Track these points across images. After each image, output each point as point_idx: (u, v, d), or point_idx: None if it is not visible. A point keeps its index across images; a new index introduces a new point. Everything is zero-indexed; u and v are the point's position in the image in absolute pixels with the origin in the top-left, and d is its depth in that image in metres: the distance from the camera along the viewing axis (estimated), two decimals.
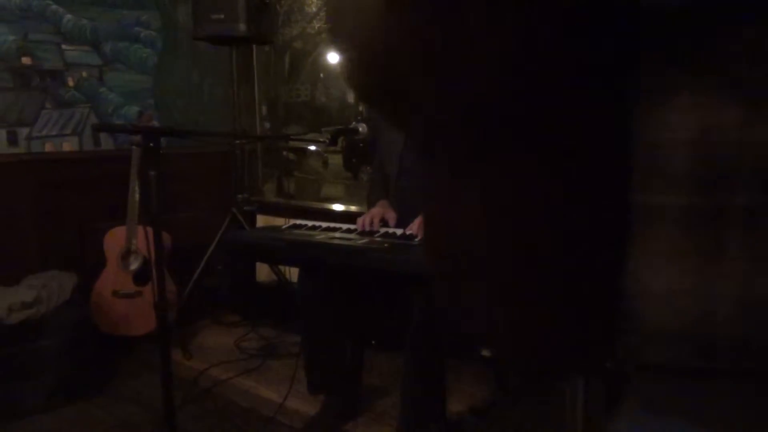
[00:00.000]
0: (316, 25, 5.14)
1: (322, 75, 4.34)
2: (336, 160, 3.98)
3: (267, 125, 4.42)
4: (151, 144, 1.76)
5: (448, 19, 0.37)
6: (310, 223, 2.45)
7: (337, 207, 3.40)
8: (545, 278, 0.46)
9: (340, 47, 0.41)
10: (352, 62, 0.42)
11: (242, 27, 3.04)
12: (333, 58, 4.57)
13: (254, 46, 3.82)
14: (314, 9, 5.08)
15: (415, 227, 2.19)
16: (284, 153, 4.44)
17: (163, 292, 1.82)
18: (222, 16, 3.04)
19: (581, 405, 1.77)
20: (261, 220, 3.67)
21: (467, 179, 0.47)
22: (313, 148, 3.60)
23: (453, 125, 0.43)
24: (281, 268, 3.35)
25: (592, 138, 0.43)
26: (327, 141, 2.27)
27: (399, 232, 2.24)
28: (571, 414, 1.80)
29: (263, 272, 3.60)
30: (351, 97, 4.25)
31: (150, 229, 2.04)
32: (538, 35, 0.38)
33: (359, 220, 2.30)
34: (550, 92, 0.41)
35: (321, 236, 2.22)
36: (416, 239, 2.14)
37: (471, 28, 0.38)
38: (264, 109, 4.42)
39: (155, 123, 3.33)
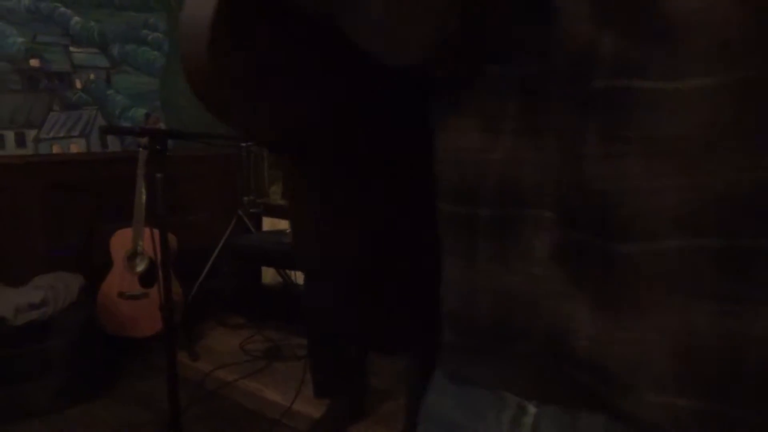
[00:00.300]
0: None
1: None
2: None
3: None
4: (158, 146, 1.77)
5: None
6: None
7: None
8: (373, 275, 0.58)
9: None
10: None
11: None
12: None
13: None
14: None
15: None
16: None
17: (170, 293, 1.82)
18: None
19: None
20: (267, 222, 3.67)
21: (305, 191, 0.58)
22: None
23: (285, 149, 0.55)
24: (287, 270, 3.35)
25: (399, 157, 0.55)
26: None
27: None
28: None
29: (269, 274, 3.60)
30: None
31: (156, 231, 2.05)
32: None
33: None
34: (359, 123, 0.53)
35: None
36: None
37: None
38: None
39: (162, 125, 3.33)
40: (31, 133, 3.02)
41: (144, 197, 2.87)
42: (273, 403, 2.55)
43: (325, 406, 2.35)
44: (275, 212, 3.74)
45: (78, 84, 3.16)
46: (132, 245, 2.95)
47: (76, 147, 3.18)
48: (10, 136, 2.95)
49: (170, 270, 3.07)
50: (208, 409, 2.61)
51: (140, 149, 2.78)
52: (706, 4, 0.34)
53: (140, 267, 2.96)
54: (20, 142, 2.99)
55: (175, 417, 1.84)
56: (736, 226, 0.36)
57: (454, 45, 0.41)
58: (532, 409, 0.45)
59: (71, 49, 3.12)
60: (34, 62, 3.00)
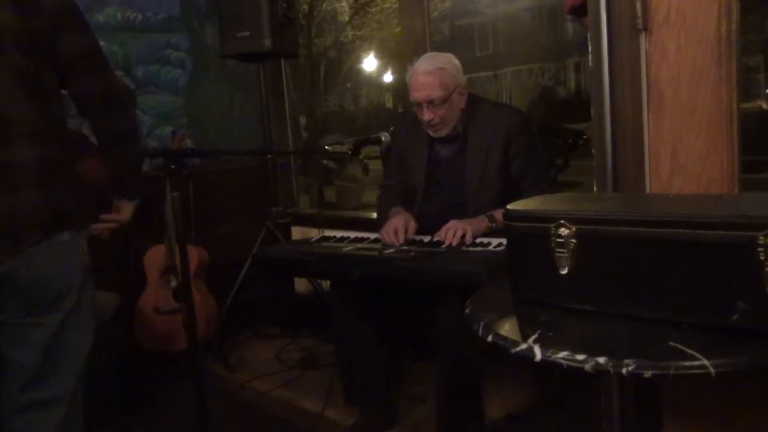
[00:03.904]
0: (350, 33, 5.16)
1: (349, 84, 4.36)
2: (376, 165, 3.97)
3: (305, 135, 4.46)
4: (173, 166, 1.79)
5: None
6: (338, 235, 2.46)
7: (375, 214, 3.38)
8: None
9: None
10: None
11: (267, 43, 3.07)
12: (367, 65, 4.59)
13: (283, 60, 3.86)
14: (346, 18, 5.11)
15: (442, 233, 2.16)
16: (324, 162, 4.48)
17: (192, 310, 1.84)
18: (247, 34, 3.08)
19: (617, 410, 1.73)
20: (296, 232, 3.70)
21: None
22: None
23: None
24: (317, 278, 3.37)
25: None
26: (350, 151, 2.27)
27: (426, 239, 2.22)
28: (607, 419, 1.75)
29: (302, 283, 3.63)
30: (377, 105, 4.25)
31: (188, 246, 2.07)
32: None
33: (382, 233, 2.24)
34: None
35: (348, 248, 2.22)
36: (443, 245, 2.12)
37: None
38: (303, 119, 4.47)
39: (188, 142, 3.39)
40: None
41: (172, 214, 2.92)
42: (307, 412, 2.56)
43: (357, 413, 2.35)
44: (304, 221, 3.76)
45: None
46: (165, 261, 3.01)
47: None
48: None
49: (203, 283, 3.14)
50: (244, 420, 2.64)
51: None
52: None
53: (174, 282, 3.02)
54: None
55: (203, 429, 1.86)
56: None
57: None
58: None
59: None
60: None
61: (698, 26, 1.44)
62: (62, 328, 1.56)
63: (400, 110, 4.09)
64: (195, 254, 3.04)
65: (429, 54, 2.36)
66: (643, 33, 1.51)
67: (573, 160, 3.45)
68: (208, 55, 3.61)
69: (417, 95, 2.25)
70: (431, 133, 2.34)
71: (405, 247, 2.14)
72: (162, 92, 3.45)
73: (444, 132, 2.32)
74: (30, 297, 1.50)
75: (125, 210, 1.90)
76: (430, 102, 2.24)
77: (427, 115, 2.26)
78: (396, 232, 2.18)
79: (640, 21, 1.50)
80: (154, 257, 3.06)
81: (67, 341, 1.59)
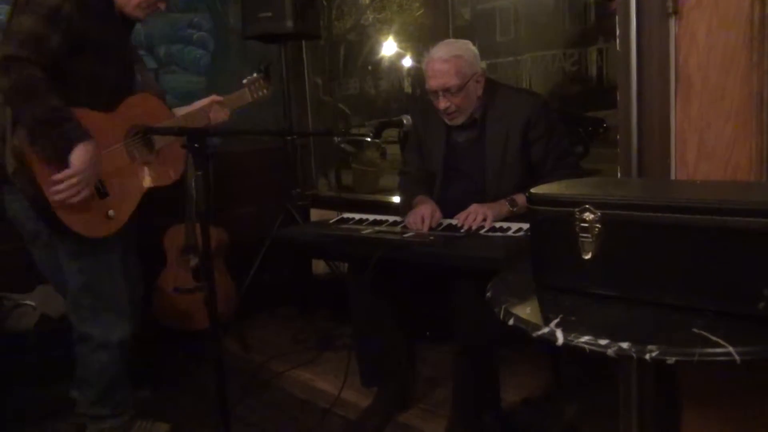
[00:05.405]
0: (370, 16, 5.12)
1: (370, 67, 4.34)
2: (394, 150, 3.95)
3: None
4: (196, 145, 1.79)
5: None
6: (357, 217, 2.46)
7: (395, 198, 3.38)
8: None
9: None
10: None
11: (289, 24, 3.07)
12: (387, 48, 4.56)
13: (303, 42, 3.84)
14: (367, 0, 5.06)
15: (462, 217, 2.16)
16: (342, 146, 4.46)
17: (213, 288, 1.85)
18: (269, 14, 3.08)
19: (635, 398, 1.72)
20: (315, 214, 3.71)
21: None
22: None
23: None
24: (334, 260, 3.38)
25: None
26: (371, 134, 2.26)
27: (445, 222, 2.22)
28: (624, 406, 1.75)
29: (320, 265, 3.64)
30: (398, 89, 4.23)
31: (198, 227, 2.09)
32: None
33: (409, 221, 2.24)
34: None
35: (367, 230, 2.22)
36: (462, 230, 2.11)
37: None
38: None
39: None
40: None
41: (195, 194, 2.94)
42: (324, 393, 2.58)
43: (374, 395, 2.37)
44: (323, 204, 3.77)
45: None
46: (185, 241, 3.03)
47: None
48: None
49: (222, 263, 3.16)
50: (261, 400, 2.66)
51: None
52: None
53: (194, 261, 3.05)
54: None
55: (222, 406, 1.88)
56: None
57: None
58: None
59: None
60: None
61: (730, 10, 1.41)
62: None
63: (418, 95, 4.07)
64: (214, 234, 3.06)
65: (445, 41, 2.34)
66: (673, 17, 1.49)
67: (592, 148, 3.42)
68: (230, 35, 3.61)
69: (433, 83, 2.24)
70: (447, 121, 2.33)
71: (425, 232, 2.14)
72: (184, 72, 3.45)
73: (460, 120, 2.30)
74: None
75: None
76: (446, 90, 2.22)
77: (443, 104, 2.24)
78: (422, 220, 2.17)
79: (670, 4, 1.48)
80: (174, 236, 3.08)
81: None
